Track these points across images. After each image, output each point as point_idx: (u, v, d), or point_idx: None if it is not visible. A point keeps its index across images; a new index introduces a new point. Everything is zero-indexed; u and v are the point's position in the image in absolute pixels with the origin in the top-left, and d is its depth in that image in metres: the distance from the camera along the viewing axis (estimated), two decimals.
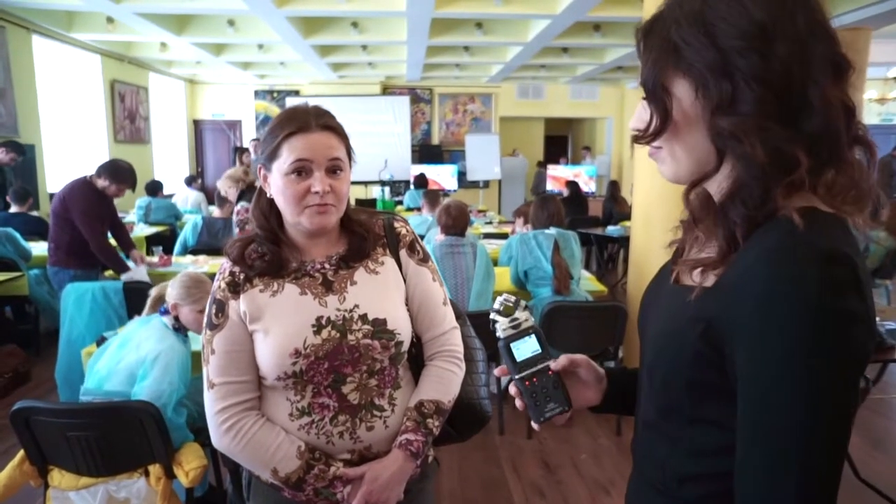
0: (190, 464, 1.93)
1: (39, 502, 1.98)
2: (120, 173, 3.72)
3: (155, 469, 1.92)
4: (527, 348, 0.84)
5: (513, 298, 0.87)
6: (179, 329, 2.12)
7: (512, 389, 0.85)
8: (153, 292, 2.20)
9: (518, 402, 0.85)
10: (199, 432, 2.06)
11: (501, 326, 0.85)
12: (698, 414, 0.69)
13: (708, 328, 0.64)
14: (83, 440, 1.85)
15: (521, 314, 0.86)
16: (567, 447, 3.12)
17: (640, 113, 0.71)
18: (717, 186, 0.69)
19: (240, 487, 1.25)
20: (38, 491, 1.97)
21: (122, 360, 2.01)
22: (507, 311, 0.86)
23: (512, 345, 0.84)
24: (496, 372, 0.87)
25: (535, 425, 0.85)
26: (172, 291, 2.10)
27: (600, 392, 0.90)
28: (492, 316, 0.86)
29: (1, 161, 5.28)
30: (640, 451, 0.81)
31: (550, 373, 0.84)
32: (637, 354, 3.90)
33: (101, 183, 3.70)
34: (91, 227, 3.63)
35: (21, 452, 1.91)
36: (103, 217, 3.77)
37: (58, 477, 1.92)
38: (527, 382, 0.83)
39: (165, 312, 2.12)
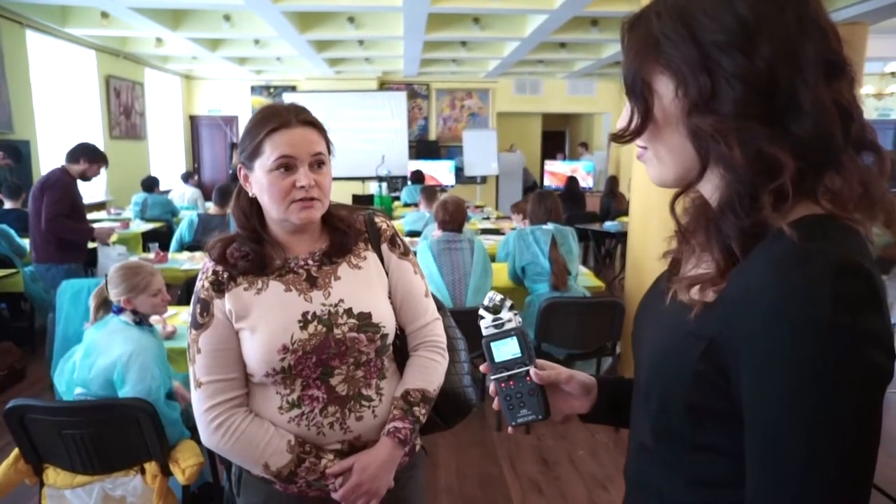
0: (186, 461, 1.92)
1: (35, 501, 1.98)
2: (97, 153, 3.83)
3: (151, 467, 1.91)
4: (507, 350, 0.83)
5: (499, 297, 0.86)
6: (142, 321, 2.06)
7: (490, 388, 0.84)
8: (92, 300, 2.09)
9: (494, 402, 0.84)
10: (196, 429, 2.05)
11: (485, 325, 0.84)
12: (699, 440, 0.64)
13: (709, 347, 0.60)
14: (78, 438, 1.84)
15: (505, 314, 0.84)
16: (564, 443, 3.12)
17: (623, 112, 0.67)
18: (709, 195, 0.65)
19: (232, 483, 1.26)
20: (34, 489, 1.96)
21: (94, 367, 1.96)
22: (492, 310, 0.85)
23: (492, 344, 0.83)
24: (481, 368, 0.86)
25: (509, 428, 0.84)
26: (116, 290, 2.01)
27: (589, 402, 0.87)
28: (479, 311, 0.86)
29: None
30: (633, 475, 0.77)
31: (528, 379, 0.82)
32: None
33: (80, 167, 3.73)
34: (58, 208, 3.62)
35: (15, 451, 1.90)
36: (76, 202, 3.77)
37: (53, 475, 1.91)
38: (502, 384, 0.82)
39: (120, 311, 2.04)
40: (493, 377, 0.83)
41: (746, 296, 0.57)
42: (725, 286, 0.60)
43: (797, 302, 0.52)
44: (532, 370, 0.82)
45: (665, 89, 0.63)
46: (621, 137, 0.66)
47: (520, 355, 0.83)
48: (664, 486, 0.69)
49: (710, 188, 0.64)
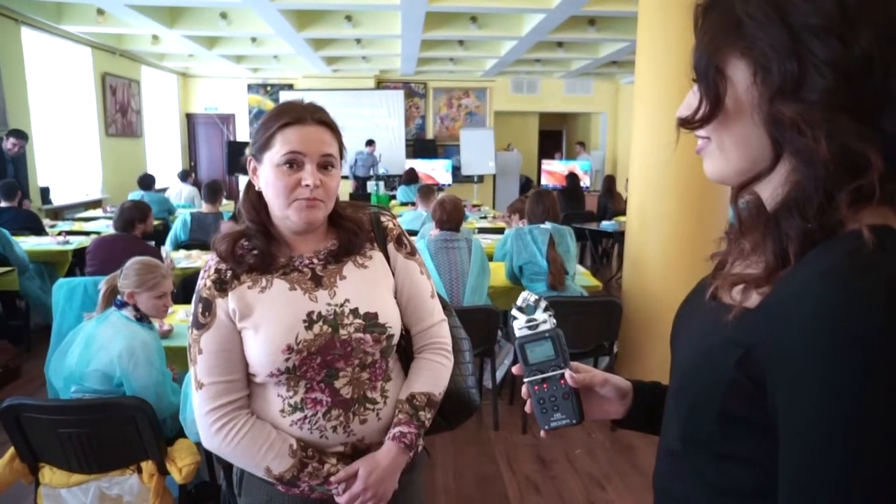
0: (183, 460, 1.92)
1: (30, 500, 1.97)
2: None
3: (148, 466, 1.90)
4: (541, 352, 0.80)
5: (533, 297, 0.83)
6: (142, 318, 2.07)
7: (523, 391, 0.82)
8: (103, 286, 2.11)
9: (527, 405, 0.82)
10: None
11: (518, 326, 0.82)
12: (729, 449, 0.60)
13: (746, 355, 0.55)
14: (75, 437, 1.84)
15: (540, 315, 0.81)
16: (561, 442, 3.13)
17: (688, 99, 0.63)
18: (771, 192, 0.60)
19: (233, 483, 1.25)
20: (29, 489, 1.96)
21: (91, 362, 1.96)
22: (526, 311, 0.82)
23: (526, 346, 0.81)
24: (514, 369, 0.83)
25: (541, 432, 0.82)
26: (125, 281, 2.04)
27: (624, 406, 0.84)
28: (512, 312, 0.83)
29: (10, 151, 5.25)
30: (659, 483, 0.73)
31: (563, 382, 0.80)
32: (634, 350, 3.90)
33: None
34: None
35: (11, 450, 1.89)
36: None
37: (49, 474, 1.90)
38: (535, 387, 0.80)
39: (123, 305, 2.05)
40: (526, 380, 0.81)
41: (791, 306, 0.53)
42: (770, 292, 0.57)
43: (845, 317, 0.48)
44: (567, 373, 0.79)
45: (741, 76, 0.58)
46: (687, 124, 0.63)
47: (554, 357, 0.80)
48: (689, 494, 0.66)
49: (774, 185, 0.60)
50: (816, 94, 0.54)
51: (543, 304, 0.83)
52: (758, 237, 0.61)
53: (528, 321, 0.81)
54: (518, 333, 0.81)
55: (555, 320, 0.82)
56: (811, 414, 0.51)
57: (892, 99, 0.53)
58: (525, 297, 0.83)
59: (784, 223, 0.57)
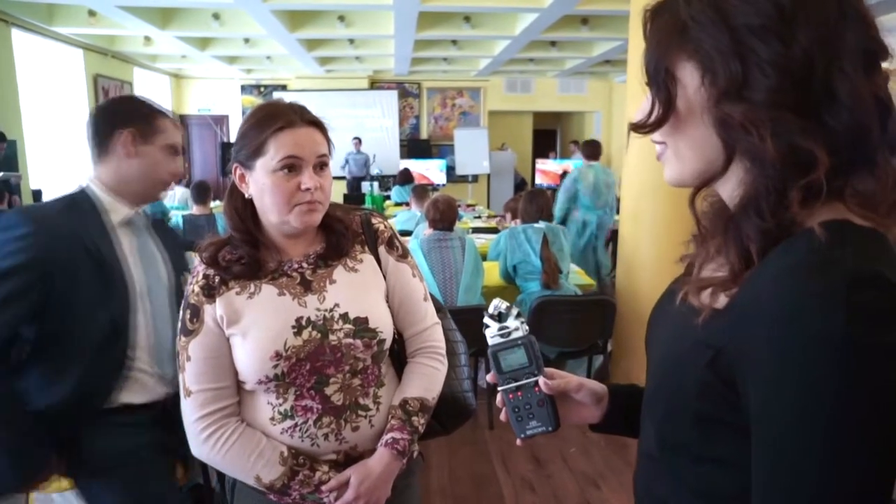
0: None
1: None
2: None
3: None
4: (514, 360, 0.80)
5: (505, 305, 0.83)
6: None
7: (498, 399, 0.81)
8: None
9: (502, 414, 0.81)
10: None
11: (490, 334, 0.81)
12: (706, 451, 0.60)
13: (717, 357, 0.56)
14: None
15: (512, 323, 0.81)
16: (556, 441, 3.13)
17: (642, 104, 0.64)
18: (729, 193, 0.61)
19: (226, 490, 1.23)
20: (22, 494, 1.94)
21: None
22: (497, 318, 0.81)
23: (499, 354, 0.80)
24: (488, 378, 0.82)
25: (517, 440, 0.81)
26: None
27: (600, 411, 0.84)
28: (485, 320, 0.83)
29: None
30: (640, 484, 0.73)
31: (537, 390, 0.79)
32: (627, 348, 3.89)
33: None
34: None
35: None
36: None
37: None
38: (510, 395, 0.80)
39: None
40: (500, 388, 0.80)
41: (757, 305, 0.53)
42: (737, 293, 0.57)
43: (809, 314, 0.49)
44: (541, 380, 0.79)
45: (690, 78, 0.59)
46: (641, 128, 0.63)
47: (527, 365, 0.80)
48: (670, 496, 0.67)
49: (731, 186, 0.61)
50: (761, 93, 0.55)
51: (515, 311, 0.82)
52: (720, 240, 0.61)
53: (501, 329, 0.81)
54: (490, 341, 0.81)
55: (527, 327, 0.81)
56: (783, 413, 0.51)
57: (835, 95, 0.54)
58: (496, 304, 0.82)
59: (743, 223, 0.58)
